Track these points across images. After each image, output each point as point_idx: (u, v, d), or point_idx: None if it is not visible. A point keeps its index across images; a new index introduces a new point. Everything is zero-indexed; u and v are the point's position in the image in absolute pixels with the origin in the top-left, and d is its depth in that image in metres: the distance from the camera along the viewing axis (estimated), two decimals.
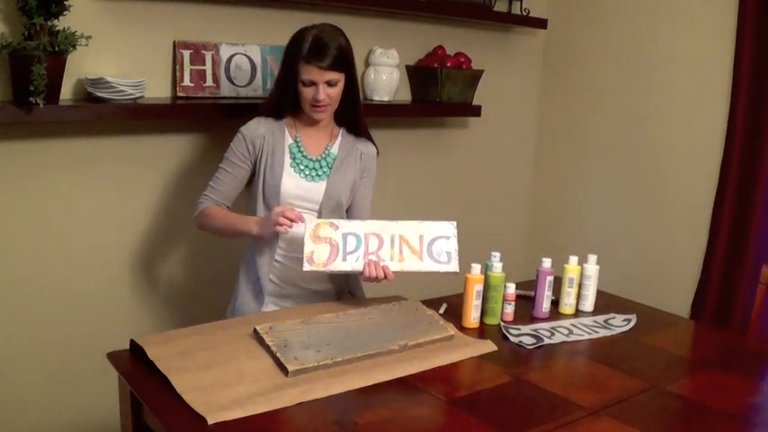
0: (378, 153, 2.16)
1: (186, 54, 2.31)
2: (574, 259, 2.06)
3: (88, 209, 2.24)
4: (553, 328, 1.93)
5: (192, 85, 2.33)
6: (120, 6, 2.18)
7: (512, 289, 1.96)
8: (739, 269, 2.76)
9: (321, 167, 2.04)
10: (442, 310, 1.99)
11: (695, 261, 2.92)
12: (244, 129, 2.02)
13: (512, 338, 1.84)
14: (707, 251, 2.88)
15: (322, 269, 1.86)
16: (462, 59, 2.92)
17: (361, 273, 1.87)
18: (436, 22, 2.97)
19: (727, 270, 2.81)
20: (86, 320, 2.29)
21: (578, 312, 2.07)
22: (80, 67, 2.10)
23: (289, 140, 2.04)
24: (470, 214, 3.23)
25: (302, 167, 2.02)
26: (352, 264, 1.87)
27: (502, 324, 1.93)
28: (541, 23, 3.22)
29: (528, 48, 3.40)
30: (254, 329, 1.67)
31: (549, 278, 2.00)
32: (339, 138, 2.10)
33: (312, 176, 2.03)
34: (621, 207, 3.21)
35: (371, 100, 2.76)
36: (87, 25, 2.02)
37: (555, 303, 2.08)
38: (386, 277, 1.87)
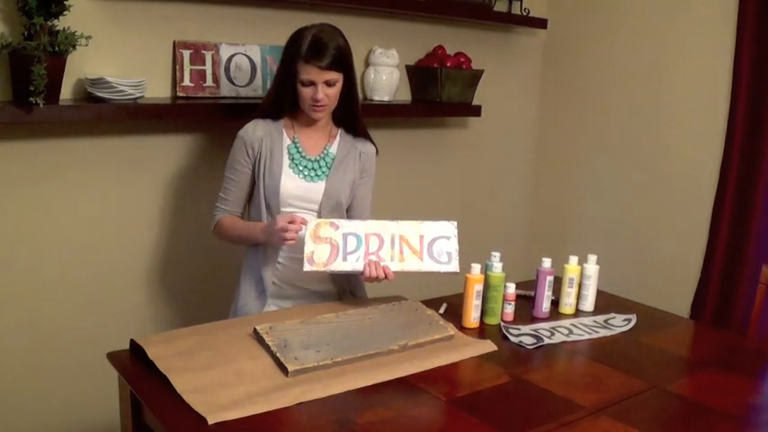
0: (377, 152, 2.16)
1: (186, 54, 2.31)
2: (574, 259, 2.06)
3: (88, 209, 2.24)
4: (553, 328, 1.93)
5: (192, 85, 2.33)
6: (120, 6, 2.18)
7: (512, 289, 1.96)
8: (739, 269, 2.76)
9: (320, 167, 2.04)
10: (441, 310, 1.99)
11: (695, 261, 2.92)
12: (242, 132, 2.02)
13: (512, 338, 1.84)
14: (707, 251, 2.88)
15: (322, 269, 1.86)
16: (462, 59, 2.92)
17: (362, 273, 1.87)
18: (436, 22, 2.97)
19: (728, 270, 2.81)
20: (86, 320, 2.29)
21: (578, 312, 2.07)
22: (80, 67, 2.10)
23: (287, 141, 2.03)
24: (470, 214, 3.23)
25: (301, 168, 2.02)
26: (352, 264, 1.87)
27: (502, 324, 1.93)
28: (541, 23, 3.22)
29: (528, 48, 3.40)
30: (255, 329, 1.67)
31: (549, 278, 2.00)
32: (338, 138, 2.09)
33: (311, 177, 2.03)
34: (621, 207, 3.21)
35: (371, 100, 2.76)
36: (87, 25, 2.02)
37: (555, 303, 2.07)
38: (386, 277, 1.87)
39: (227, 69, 2.40)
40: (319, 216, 2.01)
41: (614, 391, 1.57)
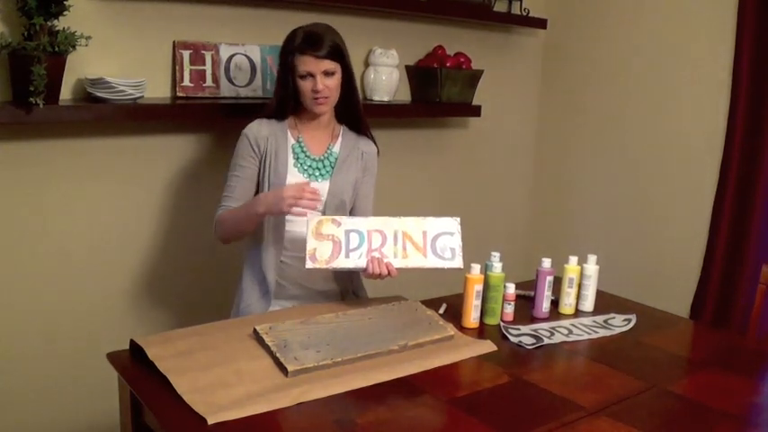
0: (378, 152, 2.16)
1: (186, 54, 2.31)
2: (573, 259, 2.06)
3: (88, 209, 2.24)
4: (553, 328, 1.93)
5: (192, 85, 2.33)
6: (120, 6, 2.18)
7: (511, 289, 1.96)
8: (739, 269, 2.76)
9: (324, 167, 2.04)
10: (441, 311, 1.99)
11: (695, 261, 2.92)
12: (247, 130, 2.02)
13: (511, 338, 1.84)
14: (707, 251, 2.88)
15: (325, 266, 1.84)
16: (462, 59, 2.92)
17: (365, 270, 1.86)
18: (436, 22, 2.97)
19: (727, 270, 2.81)
20: (86, 320, 2.29)
21: (578, 312, 2.07)
22: (80, 67, 2.10)
23: (291, 141, 2.04)
24: (470, 214, 3.22)
25: (305, 167, 2.02)
26: (355, 261, 1.85)
27: (502, 324, 1.93)
28: (541, 23, 3.22)
29: (528, 48, 3.40)
30: (254, 330, 1.67)
31: (549, 278, 2.00)
32: (340, 137, 2.10)
33: (315, 176, 2.03)
34: (621, 207, 3.21)
35: (371, 100, 2.76)
36: (87, 25, 2.02)
37: (555, 303, 2.07)
38: (389, 274, 1.86)
39: (226, 69, 2.40)
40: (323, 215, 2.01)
41: (614, 392, 1.57)
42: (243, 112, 2.23)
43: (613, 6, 3.17)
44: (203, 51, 2.35)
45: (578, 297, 2.08)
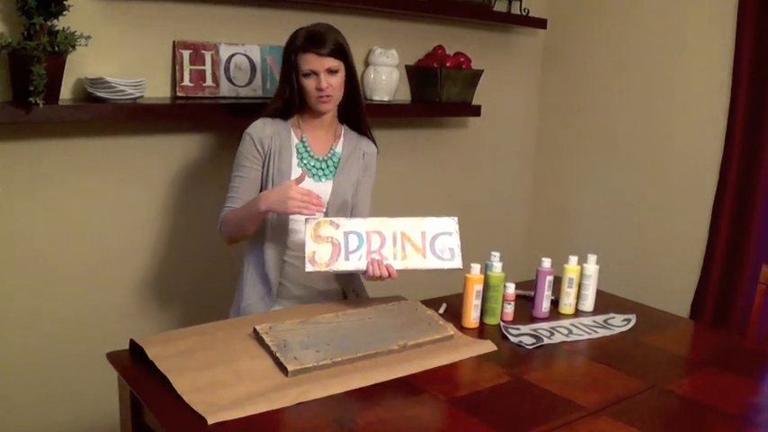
0: (378, 152, 2.16)
1: (186, 54, 2.31)
2: (573, 259, 2.06)
3: (88, 209, 2.24)
4: (553, 327, 1.93)
5: (192, 84, 2.33)
6: (120, 6, 2.18)
7: (511, 289, 1.96)
8: (739, 269, 2.76)
9: (327, 167, 2.05)
10: (441, 310, 1.99)
11: (695, 261, 2.92)
12: (250, 130, 2.01)
13: (511, 338, 1.84)
14: (706, 251, 2.89)
15: (325, 269, 1.84)
16: (462, 59, 2.92)
17: (365, 272, 1.86)
18: (436, 22, 2.97)
19: (727, 270, 2.81)
20: (86, 320, 2.29)
21: (578, 312, 2.07)
22: (80, 66, 2.10)
23: (295, 141, 2.04)
24: (470, 214, 3.22)
25: (309, 167, 2.02)
26: (355, 263, 1.85)
27: (501, 324, 1.93)
28: (541, 23, 3.22)
29: (527, 47, 3.40)
30: (254, 329, 1.67)
31: (549, 278, 2.00)
32: (342, 137, 2.10)
33: (319, 176, 2.03)
34: (621, 207, 3.21)
35: (371, 100, 2.76)
36: (87, 25, 2.02)
37: (555, 303, 2.07)
38: (390, 276, 1.86)
39: (226, 69, 2.40)
40: (326, 215, 2.00)
41: (614, 391, 1.57)
42: (243, 111, 2.23)
43: (613, 6, 3.17)
44: (203, 51, 2.35)
45: (578, 297, 2.08)
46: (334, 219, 1.89)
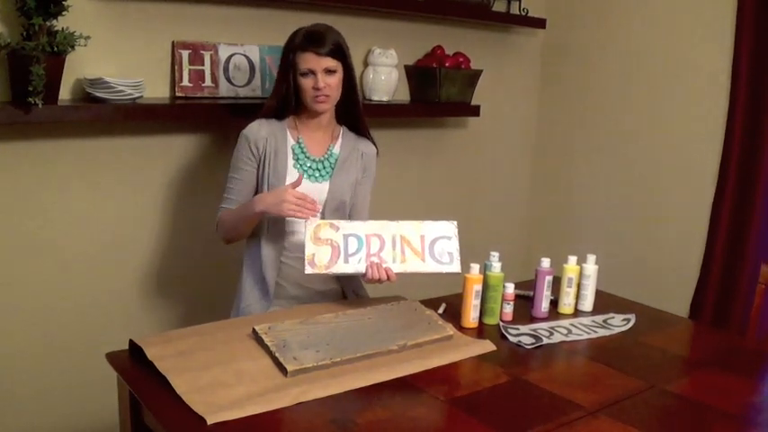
0: (378, 153, 2.16)
1: (185, 54, 2.31)
2: (573, 259, 2.06)
3: (87, 209, 2.24)
4: (552, 327, 1.93)
5: (191, 85, 2.33)
6: (119, 6, 2.18)
7: (511, 289, 1.96)
8: (738, 269, 2.76)
9: (324, 168, 2.04)
10: (441, 310, 1.99)
11: (694, 260, 2.92)
12: (246, 131, 2.02)
13: (511, 338, 1.84)
14: (706, 251, 2.89)
15: (324, 272, 1.84)
16: (461, 59, 2.92)
17: (364, 275, 1.87)
18: (435, 22, 2.97)
19: (727, 270, 2.81)
20: (85, 320, 2.28)
21: (577, 312, 2.07)
22: (79, 67, 2.10)
23: (291, 141, 2.04)
24: (469, 214, 3.23)
25: (305, 168, 2.02)
26: (354, 266, 1.86)
27: (501, 324, 1.93)
28: (540, 23, 3.22)
29: (527, 47, 3.40)
30: (253, 330, 1.67)
31: (548, 278, 2.00)
32: (340, 137, 2.10)
33: (315, 177, 2.03)
34: (620, 207, 3.21)
35: (370, 100, 2.76)
36: (86, 25, 2.02)
37: (554, 303, 2.07)
38: (388, 279, 1.86)
39: (225, 69, 2.40)
40: (323, 216, 2.01)
41: (613, 391, 1.57)
42: (242, 112, 2.23)
43: (612, 6, 3.17)
44: (202, 51, 2.35)
45: (577, 297, 2.08)
46: (334, 221, 1.89)
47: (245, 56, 2.44)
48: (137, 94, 2.13)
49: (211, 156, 2.44)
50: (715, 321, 2.82)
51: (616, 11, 3.15)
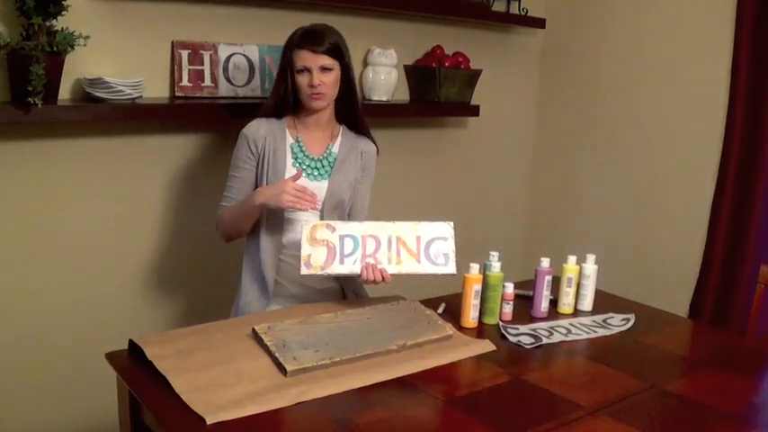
0: (378, 152, 2.16)
1: (184, 54, 2.31)
2: (572, 259, 2.06)
3: (87, 209, 2.24)
4: (552, 327, 1.93)
5: (191, 84, 2.33)
6: (119, 6, 2.17)
7: (510, 288, 1.96)
8: (738, 268, 2.76)
9: (323, 167, 2.05)
10: (440, 310, 1.99)
11: (694, 260, 2.92)
12: (245, 130, 2.02)
13: (510, 338, 1.84)
14: (706, 250, 2.89)
15: (319, 272, 1.85)
16: (460, 59, 2.92)
17: (359, 276, 1.87)
18: (434, 22, 2.97)
19: (726, 269, 2.81)
20: (85, 320, 2.28)
21: (577, 312, 2.07)
22: (78, 67, 2.09)
23: (290, 140, 2.04)
24: (469, 214, 3.24)
25: (304, 167, 2.02)
26: (349, 267, 1.86)
27: (500, 324, 1.93)
28: (540, 23, 3.22)
29: (526, 47, 3.40)
30: (253, 329, 1.67)
31: (548, 278, 2.00)
32: (340, 136, 2.10)
33: (314, 176, 2.03)
34: (620, 206, 3.21)
35: (370, 100, 2.76)
36: (85, 25, 2.02)
37: (553, 303, 2.07)
38: (384, 280, 1.87)
39: (225, 69, 2.40)
40: (321, 215, 2.01)
41: (613, 391, 1.57)
42: (241, 111, 2.23)
43: (612, 6, 3.17)
44: (202, 51, 2.35)
45: (577, 297, 2.08)
46: (331, 222, 1.89)
47: (244, 56, 2.44)
48: (136, 94, 2.13)
49: (211, 156, 2.44)
50: (715, 321, 2.82)
51: (616, 11, 3.15)
